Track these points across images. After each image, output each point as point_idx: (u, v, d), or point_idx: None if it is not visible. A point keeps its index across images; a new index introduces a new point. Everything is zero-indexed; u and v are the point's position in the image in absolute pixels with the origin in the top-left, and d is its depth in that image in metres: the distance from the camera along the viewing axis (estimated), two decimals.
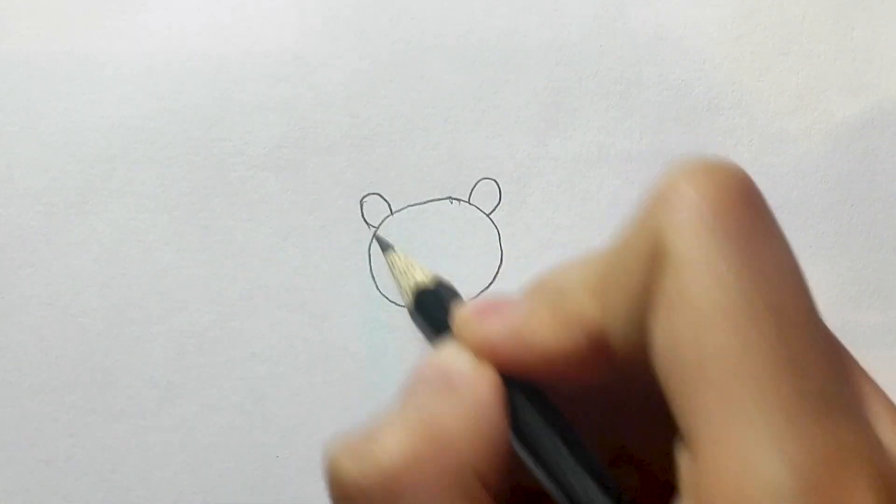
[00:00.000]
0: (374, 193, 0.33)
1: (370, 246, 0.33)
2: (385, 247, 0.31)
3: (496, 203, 0.34)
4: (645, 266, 0.18)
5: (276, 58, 0.34)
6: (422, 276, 0.29)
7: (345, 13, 0.35)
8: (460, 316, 0.23)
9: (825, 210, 0.35)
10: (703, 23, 0.36)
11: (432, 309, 0.28)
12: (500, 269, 0.33)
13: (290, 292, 0.32)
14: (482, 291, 0.33)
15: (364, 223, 0.33)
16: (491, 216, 0.34)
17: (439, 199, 0.34)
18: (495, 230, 0.34)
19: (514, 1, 0.35)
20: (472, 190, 0.34)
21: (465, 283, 0.33)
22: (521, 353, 0.21)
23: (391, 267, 0.31)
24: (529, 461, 0.21)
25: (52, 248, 0.32)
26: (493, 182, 0.34)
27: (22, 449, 0.31)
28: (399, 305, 0.33)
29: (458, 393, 0.21)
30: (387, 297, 0.33)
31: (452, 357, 0.22)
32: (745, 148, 0.35)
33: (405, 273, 0.30)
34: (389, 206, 0.33)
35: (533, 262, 0.33)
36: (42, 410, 0.32)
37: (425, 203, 0.34)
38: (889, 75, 0.36)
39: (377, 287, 0.33)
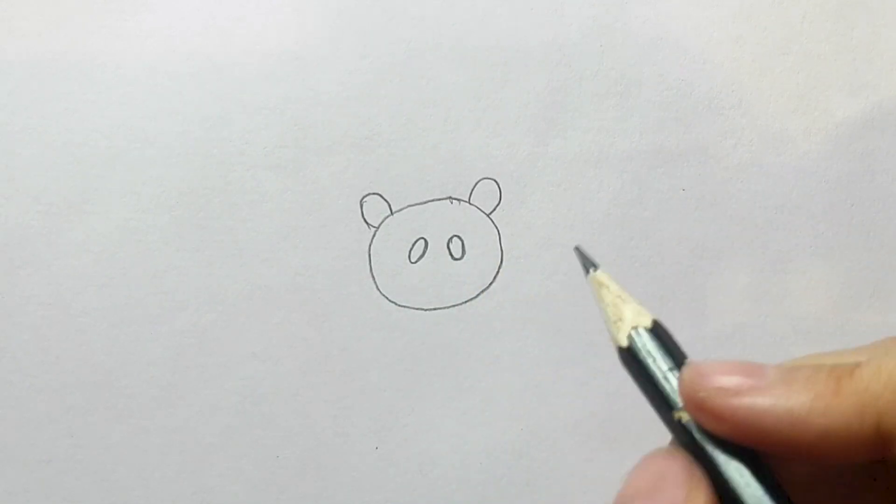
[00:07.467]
0: (374, 193, 0.33)
1: (370, 246, 0.33)
2: (588, 264, 0.23)
3: (496, 203, 0.34)
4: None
5: (275, 58, 0.34)
6: (637, 314, 0.22)
7: (345, 14, 0.35)
8: (703, 380, 0.20)
9: (825, 210, 0.35)
10: (703, 23, 0.36)
11: (647, 355, 0.22)
12: (500, 269, 0.33)
13: (290, 292, 0.32)
14: (482, 291, 0.33)
15: (364, 223, 0.33)
16: (491, 216, 0.34)
17: (439, 199, 0.34)
18: (495, 230, 0.34)
19: (514, 1, 0.35)
20: (472, 190, 0.34)
21: (465, 283, 0.33)
22: (793, 432, 0.18)
23: (597, 295, 0.23)
24: None
25: (52, 248, 0.32)
26: (493, 182, 0.34)
27: (22, 449, 0.31)
28: (399, 305, 0.33)
29: None
30: (387, 298, 0.33)
31: (665, 474, 0.20)
32: (745, 148, 0.35)
33: (615, 305, 0.23)
34: (389, 206, 0.33)
35: (533, 262, 0.33)
36: (42, 410, 0.32)
37: (425, 203, 0.34)
38: (889, 75, 0.36)
39: (377, 287, 0.33)
